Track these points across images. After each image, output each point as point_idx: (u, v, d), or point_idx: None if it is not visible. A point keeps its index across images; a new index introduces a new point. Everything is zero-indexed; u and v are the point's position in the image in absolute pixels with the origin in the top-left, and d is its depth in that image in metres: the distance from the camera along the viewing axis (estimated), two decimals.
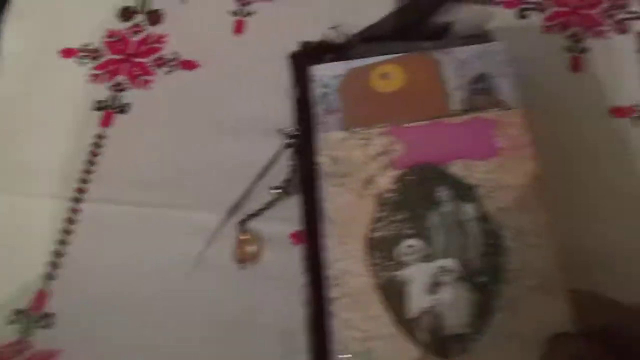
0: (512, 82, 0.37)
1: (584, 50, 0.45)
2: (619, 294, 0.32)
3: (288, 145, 0.40)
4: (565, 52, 0.45)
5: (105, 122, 0.44)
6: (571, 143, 0.42)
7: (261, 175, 0.40)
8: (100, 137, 0.43)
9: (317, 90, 0.38)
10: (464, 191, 0.34)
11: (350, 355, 0.32)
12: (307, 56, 0.40)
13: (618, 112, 0.43)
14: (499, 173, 0.34)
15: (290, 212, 0.38)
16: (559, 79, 0.44)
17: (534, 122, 0.41)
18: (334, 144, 0.36)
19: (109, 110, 0.44)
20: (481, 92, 0.37)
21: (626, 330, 0.29)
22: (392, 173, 0.35)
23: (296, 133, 0.39)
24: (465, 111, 0.36)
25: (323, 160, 0.36)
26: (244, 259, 0.38)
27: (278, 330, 0.37)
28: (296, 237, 0.39)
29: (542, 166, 0.34)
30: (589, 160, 0.41)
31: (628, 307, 0.30)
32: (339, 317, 0.33)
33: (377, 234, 0.34)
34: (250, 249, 0.38)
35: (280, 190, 0.39)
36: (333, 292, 0.33)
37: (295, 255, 0.38)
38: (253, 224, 0.40)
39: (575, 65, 0.45)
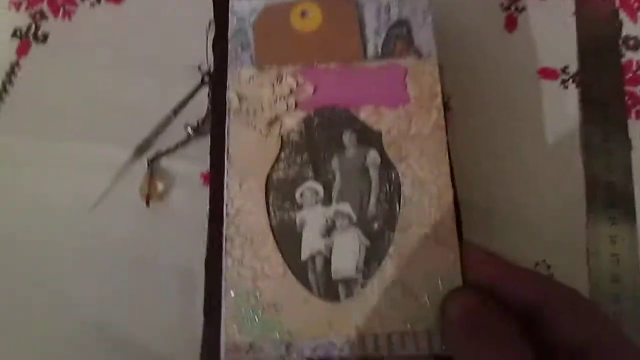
0: (431, 31, 0.36)
1: (520, 10, 0.44)
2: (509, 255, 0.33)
3: (204, 82, 0.39)
4: (501, 10, 0.44)
5: (22, 51, 0.42)
6: (496, 101, 0.42)
7: (175, 112, 0.39)
8: (15, 65, 0.41)
9: (233, 24, 0.37)
10: (369, 137, 0.34)
11: (233, 294, 0.31)
12: None
13: (546, 73, 0.43)
14: (406, 121, 0.34)
15: (204, 152, 0.37)
16: (493, 36, 0.44)
17: (463, 78, 0.41)
18: (243, 81, 0.35)
19: (27, 39, 0.42)
20: (399, 38, 0.36)
21: (507, 289, 0.29)
22: (299, 114, 0.34)
23: (213, 70, 0.38)
24: (381, 57, 0.35)
25: (231, 97, 0.35)
26: (150, 197, 0.37)
27: (180, 269, 0.36)
28: (207, 177, 0.38)
29: (447, 117, 0.34)
30: (510, 119, 0.41)
31: (512, 265, 0.30)
32: (232, 255, 0.32)
33: (277, 175, 0.34)
34: (159, 186, 0.37)
35: (194, 129, 0.38)
36: (228, 231, 0.33)
37: (204, 196, 0.36)
38: (164, 162, 0.38)
39: (510, 24, 0.44)
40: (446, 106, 0.39)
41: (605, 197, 0.40)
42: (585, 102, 0.42)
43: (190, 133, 0.38)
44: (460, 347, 0.29)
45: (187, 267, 0.36)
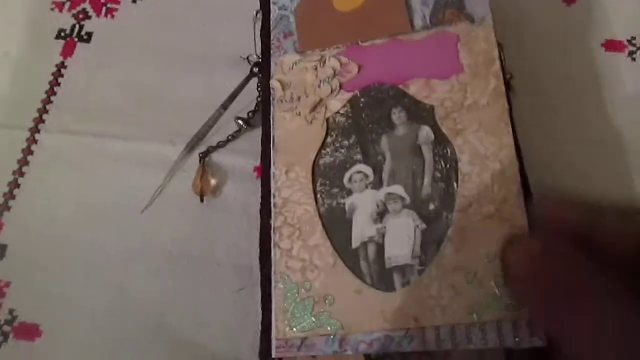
0: None
1: None
2: None
3: (253, 74, 0.38)
4: None
5: (67, 51, 0.42)
6: (559, 79, 0.38)
7: (225, 106, 0.38)
8: (61, 66, 0.42)
9: (274, 12, 0.36)
10: (421, 113, 0.31)
11: (282, 287, 0.30)
12: None
13: (611, 46, 0.38)
14: (460, 92, 0.31)
15: (256, 145, 0.36)
16: (551, 11, 0.40)
17: (524, 57, 0.38)
18: (286, 68, 0.34)
19: (71, 39, 0.43)
20: (448, 6, 0.33)
21: (598, 228, 0.25)
22: (344, 96, 0.33)
23: (260, 60, 0.37)
24: (429, 27, 0.33)
25: (274, 85, 0.34)
26: (204, 192, 0.37)
27: (236, 264, 0.35)
28: (260, 170, 0.37)
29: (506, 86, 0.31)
30: (576, 97, 0.37)
31: (600, 206, 0.26)
32: (280, 247, 0.31)
33: (323, 160, 0.32)
34: (211, 182, 0.37)
35: (244, 122, 0.38)
36: (276, 221, 0.31)
37: (257, 189, 0.35)
38: (216, 157, 0.38)
39: None
40: (508, 85, 0.35)
41: None
42: None
43: (242, 126, 0.37)
44: (530, 303, 0.25)
45: (245, 262, 0.35)
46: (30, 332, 0.34)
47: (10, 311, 0.35)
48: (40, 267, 0.36)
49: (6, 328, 0.35)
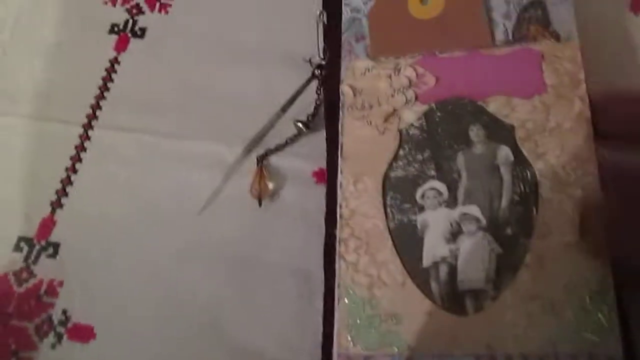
0: (571, 9, 0.31)
1: None
2: None
3: (314, 76, 0.37)
4: None
5: (120, 46, 0.41)
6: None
7: (284, 107, 0.37)
8: (114, 61, 0.41)
9: (346, 14, 0.35)
10: (500, 131, 0.30)
11: (346, 301, 0.29)
12: None
13: None
14: (543, 113, 0.30)
15: (315, 149, 0.35)
16: (617, 19, 0.38)
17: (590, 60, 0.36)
18: (357, 73, 0.33)
19: (124, 34, 0.42)
20: (532, 21, 0.32)
21: None
22: (419, 107, 0.32)
23: (323, 62, 0.36)
24: (512, 42, 0.32)
25: (345, 90, 0.33)
26: (262, 196, 0.36)
27: (293, 270, 0.34)
28: (319, 175, 0.36)
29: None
30: None
31: None
32: (346, 260, 0.30)
33: (395, 173, 0.31)
34: (269, 185, 0.36)
35: (304, 125, 0.36)
36: (342, 233, 0.30)
37: (316, 195, 0.34)
38: (274, 160, 0.37)
39: (636, 5, 0.38)
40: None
41: None
42: None
43: (301, 129, 0.36)
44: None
45: (303, 268, 0.34)
46: (84, 333, 0.34)
47: (64, 312, 0.34)
48: (93, 266, 0.35)
49: (60, 329, 0.34)
